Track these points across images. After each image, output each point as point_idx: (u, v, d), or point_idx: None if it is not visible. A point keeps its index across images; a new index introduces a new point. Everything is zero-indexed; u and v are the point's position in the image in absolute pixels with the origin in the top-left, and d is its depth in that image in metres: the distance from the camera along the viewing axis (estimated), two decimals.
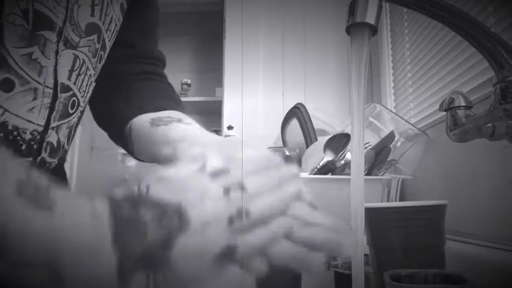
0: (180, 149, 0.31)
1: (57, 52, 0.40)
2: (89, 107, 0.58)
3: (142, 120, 0.50)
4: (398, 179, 1.06)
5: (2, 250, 0.20)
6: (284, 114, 1.41)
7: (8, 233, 0.20)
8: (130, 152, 0.54)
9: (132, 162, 2.23)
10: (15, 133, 0.39)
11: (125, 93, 0.55)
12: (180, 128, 0.48)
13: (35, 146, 0.42)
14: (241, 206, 0.25)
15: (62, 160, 0.52)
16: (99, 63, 0.49)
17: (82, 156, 2.02)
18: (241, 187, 0.25)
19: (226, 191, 0.25)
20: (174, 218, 0.23)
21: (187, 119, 0.50)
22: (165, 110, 0.51)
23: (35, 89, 0.38)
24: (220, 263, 0.24)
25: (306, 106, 1.32)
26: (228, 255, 0.24)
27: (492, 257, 0.50)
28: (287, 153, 1.22)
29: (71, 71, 0.42)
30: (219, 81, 1.80)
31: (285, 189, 0.27)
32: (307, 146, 1.20)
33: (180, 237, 0.23)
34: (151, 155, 0.49)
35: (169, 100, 0.55)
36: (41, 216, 0.21)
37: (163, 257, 0.22)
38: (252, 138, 1.61)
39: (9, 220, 0.20)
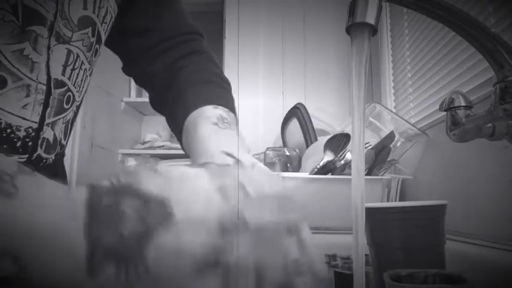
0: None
1: (49, 47, 0.39)
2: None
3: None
4: (398, 179, 1.06)
5: None
6: (284, 114, 1.41)
7: None
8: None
9: (131, 162, 2.23)
10: (8, 130, 0.38)
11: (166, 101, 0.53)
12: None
13: (30, 143, 0.42)
14: (237, 211, 0.23)
15: (60, 156, 0.52)
16: (95, 57, 0.48)
17: (82, 154, 2.01)
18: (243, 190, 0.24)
19: (224, 194, 0.23)
20: (155, 210, 0.22)
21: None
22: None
23: (28, 86, 0.38)
24: (201, 268, 0.22)
25: (306, 106, 1.32)
26: (211, 262, 0.22)
27: (492, 257, 0.51)
28: (287, 153, 1.22)
29: (65, 66, 0.42)
30: None
31: (288, 214, 0.26)
32: (307, 146, 1.20)
33: (159, 232, 0.21)
34: None
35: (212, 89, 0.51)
36: (2, 202, 0.20)
37: (138, 250, 0.21)
38: (252, 137, 1.61)
39: None
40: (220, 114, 0.46)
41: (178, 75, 0.53)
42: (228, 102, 0.50)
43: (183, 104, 0.49)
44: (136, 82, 0.60)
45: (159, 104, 0.57)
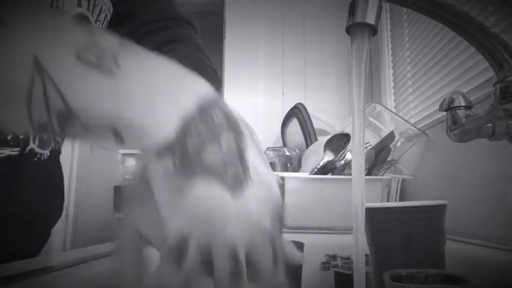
0: None
1: None
2: None
3: None
4: (398, 179, 1.06)
5: (71, 116, 0.21)
6: (284, 114, 1.41)
7: (72, 99, 0.20)
8: None
9: (131, 162, 2.23)
10: None
11: None
12: None
13: (20, 136, 0.42)
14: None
15: (56, 153, 0.51)
16: None
17: (82, 154, 2.01)
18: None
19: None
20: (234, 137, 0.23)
21: None
22: None
23: None
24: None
25: (306, 106, 1.32)
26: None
27: (492, 257, 0.50)
28: (287, 153, 1.22)
29: None
30: None
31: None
32: (307, 146, 1.20)
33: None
34: None
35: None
36: (104, 80, 0.20)
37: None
38: None
39: (70, 86, 0.20)
40: None
41: None
42: None
43: None
44: None
45: None
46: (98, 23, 0.47)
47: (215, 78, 0.53)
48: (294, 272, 0.26)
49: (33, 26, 0.21)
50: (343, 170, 0.95)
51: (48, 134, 0.21)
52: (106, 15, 0.49)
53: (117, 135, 0.21)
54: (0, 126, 0.22)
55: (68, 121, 0.21)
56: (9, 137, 0.41)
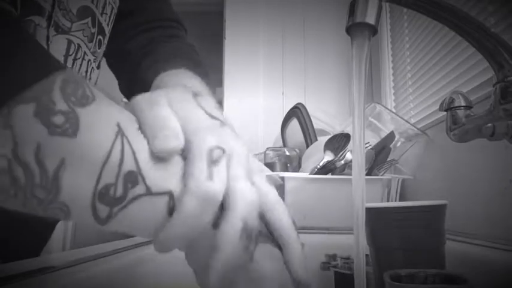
0: None
1: (48, 37, 0.39)
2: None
3: None
4: (398, 179, 1.06)
5: (137, 178, 0.22)
6: (284, 114, 1.41)
7: (145, 162, 0.23)
8: None
9: None
10: None
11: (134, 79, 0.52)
12: None
13: None
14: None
15: None
16: (99, 48, 0.48)
17: None
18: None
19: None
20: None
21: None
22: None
23: None
24: None
25: (306, 106, 1.32)
26: None
27: (492, 257, 0.50)
28: (287, 153, 1.22)
29: (66, 56, 0.42)
30: (219, 82, 1.81)
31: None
32: (307, 146, 1.20)
33: None
34: None
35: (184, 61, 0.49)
36: None
37: None
38: (252, 138, 1.61)
39: (144, 151, 0.23)
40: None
41: (155, 49, 0.52)
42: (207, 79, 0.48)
43: (158, 65, 0.47)
44: (110, 61, 0.58)
45: (130, 83, 0.54)
46: (104, 15, 0.47)
47: (205, 68, 0.53)
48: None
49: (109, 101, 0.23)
50: (343, 170, 0.95)
51: (108, 199, 0.22)
52: (112, 8, 0.49)
53: (171, 199, 0.23)
54: (65, 190, 0.21)
55: (134, 183, 0.22)
56: None
